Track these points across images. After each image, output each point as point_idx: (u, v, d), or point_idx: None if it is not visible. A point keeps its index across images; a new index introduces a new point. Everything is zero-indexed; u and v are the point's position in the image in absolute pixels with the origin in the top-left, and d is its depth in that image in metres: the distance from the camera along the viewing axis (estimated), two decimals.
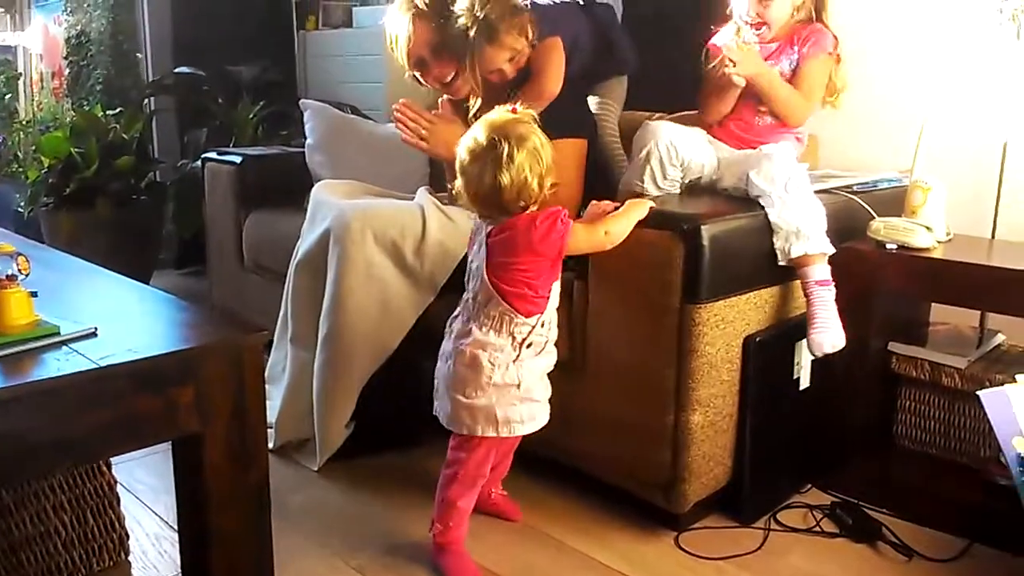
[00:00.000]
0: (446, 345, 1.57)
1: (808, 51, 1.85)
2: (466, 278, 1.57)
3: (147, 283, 1.91)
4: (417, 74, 2.11)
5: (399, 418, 1.99)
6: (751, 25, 1.86)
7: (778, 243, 1.67)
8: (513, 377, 1.50)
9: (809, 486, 1.86)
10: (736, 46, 1.77)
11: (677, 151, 1.80)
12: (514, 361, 1.50)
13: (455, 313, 1.58)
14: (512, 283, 1.47)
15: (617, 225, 1.55)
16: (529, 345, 1.51)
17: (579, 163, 2.03)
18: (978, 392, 1.55)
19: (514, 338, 1.50)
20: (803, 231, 1.66)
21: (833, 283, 1.69)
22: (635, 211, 1.57)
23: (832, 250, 1.70)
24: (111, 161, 3.23)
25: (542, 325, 1.52)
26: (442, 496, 1.56)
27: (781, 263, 1.68)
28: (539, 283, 1.48)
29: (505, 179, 1.43)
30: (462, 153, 1.48)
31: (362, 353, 1.92)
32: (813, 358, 1.76)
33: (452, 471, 1.55)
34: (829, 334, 1.67)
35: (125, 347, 1.17)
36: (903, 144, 2.05)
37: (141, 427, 1.15)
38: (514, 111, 1.49)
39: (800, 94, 1.85)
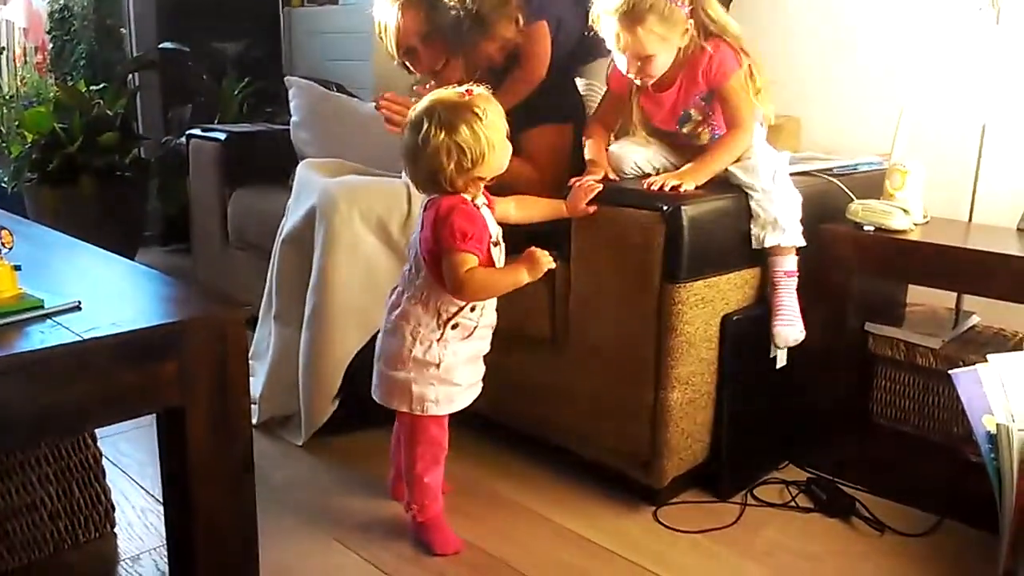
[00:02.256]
0: (384, 316, 1.59)
1: (716, 78, 1.70)
2: (408, 251, 1.58)
3: (132, 260, 1.91)
4: (407, 62, 2.12)
5: None
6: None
7: (755, 230, 1.70)
8: (434, 356, 1.50)
9: (786, 463, 1.90)
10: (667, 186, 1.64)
11: (641, 169, 1.82)
12: (438, 340, 1.50)
13: (395, 285, 1.59)
14: (438, 260, 1.47)
15: (491, 276, 1.47)
16: (455, 326, 1.50)
17: (558, 149, 2.03)
18: (950, 371, 1.58)
19: (439, 315, 1.49)
20: (780, 223, 1.68)
21: (798, 274, 1.72)
22: (519, 274, 1.47)
23: (803, 243, 1.73)
24: (95, 137, 3.21)
25: (472, 309, 1.51)
26: (410, 477, 1.57)
27: (755, 247, 1.71)
28: None
29: (423, 160, 1.44)
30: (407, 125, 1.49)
31: (348, 329, 1.93)
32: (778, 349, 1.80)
33: (412, 452, 1.56)
34: (794, 328, 1.72)
35: (109, 321, 1.18)
36: (884, 128, 2.07)
37: (124, 400, 1.16)
38: (469, 92, 1.46)
39: (733, 132, 1.72)
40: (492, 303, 1.55)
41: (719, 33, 1.71)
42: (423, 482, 1.56)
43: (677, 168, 1.76)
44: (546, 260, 1.48)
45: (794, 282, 1.72)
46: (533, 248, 1.49)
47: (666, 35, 1.65)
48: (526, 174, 1.92)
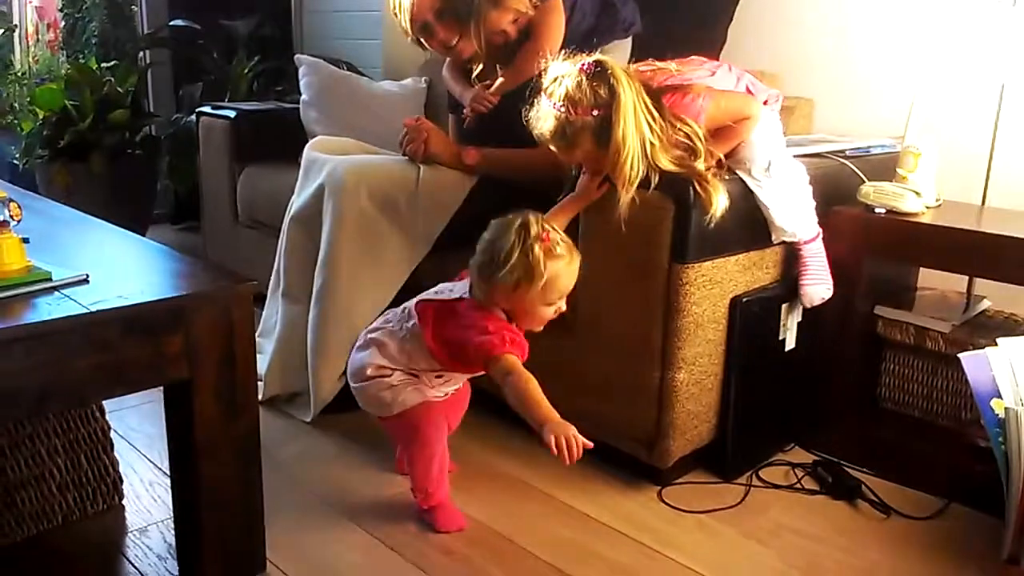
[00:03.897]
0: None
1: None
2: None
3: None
4: (421, 39, 2.11)
5: None
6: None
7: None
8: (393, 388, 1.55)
9: (792, 445, 1.90)
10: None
11: None
12: (395, 382, 1.55)
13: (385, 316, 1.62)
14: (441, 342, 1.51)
15: (528, 388, 1.41)
16: (416, 376, 1.56)
17: None
18: (959, 355, 1.57)
19: (407, 365, 1.55)
20: (777, 221, 1.67)
21: (819, 235, 1.74)
22: (544, 419, 1.36)
23: (812, 234, 1.73)
24: (106, 114, 3.21)
25: (438, 377, 1.57)
26: (412, 470, 1.58)
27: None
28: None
29: (500, 272, 1.43)
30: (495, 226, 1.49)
31: (356, 307, 1.93)
32: (802, 314, 1.80)
33: (410, 452, 1.58)
34: (821, 286, 1.73)
35: (116, 294, 1.19)
36: (899, 110, 2.05)
37: (130, 373, 1.17)
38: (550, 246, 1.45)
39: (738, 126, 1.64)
40: (461, 380, 1.61)
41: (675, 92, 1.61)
42: (427, 475, 1.56)
43: None
44: (569, 451, 1.32)
45: (816, 245, 1.74)
46: (574, 439, 1.33)
47: (608, 142, 1.53)
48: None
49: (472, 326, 1.45)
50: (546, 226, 1.46)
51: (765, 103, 1.74)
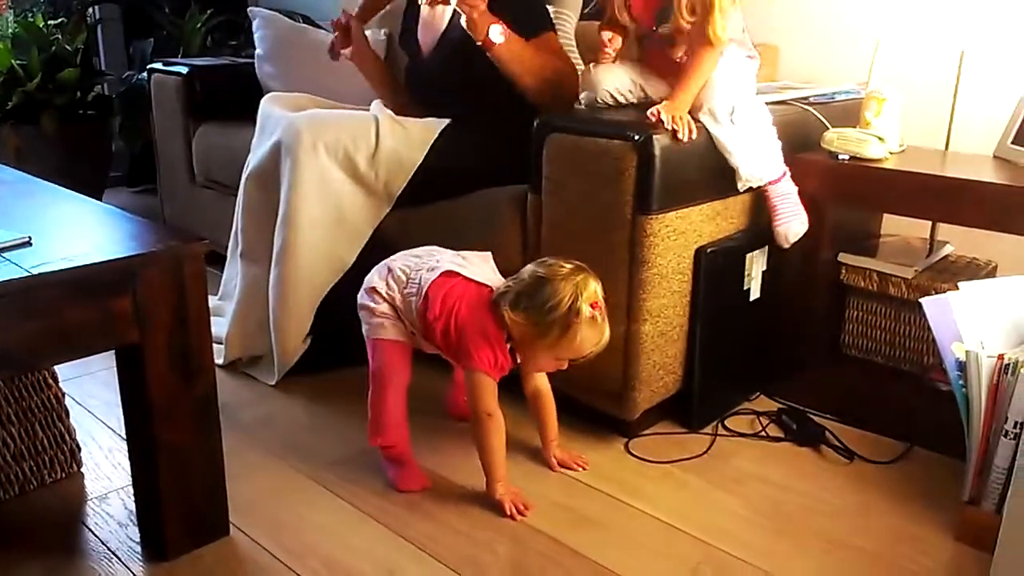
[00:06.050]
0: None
1: None
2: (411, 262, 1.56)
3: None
4: None
5: (357, 332, 1.98)
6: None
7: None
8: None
9: (757, 394, 1.91)
10: (668, 120, 1.57)
11: (624, 97, 1.76)
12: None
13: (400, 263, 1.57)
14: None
15: (493, 441, 1.50)
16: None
17: (564, 48, 2.05)
18: (920, 299, 1.58)
19: (397, 307, 1.55)
20: (748, 171, 1.66)
21: (787, 173, 1.72)
22: (496, 479, 1.50)
23: (784, 169, 1.71)
24: (55, 73, 3.11)
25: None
26: (369, 400, 1.57)
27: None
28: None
29: (538, 315, 1.40)
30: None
31: (318, 267, 1.90)
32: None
33: (371, 379, 1.57)
34: (794, 222, 1.72)
35: (60, 256, 1.15)
36: (863, 57, 2.03)
37: (77, 337, 1.14)
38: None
39: (700, 51, 1.61)
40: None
41: None
42: (377, 413, 1.55)
43: (647, 96, 1.74)
44: (516, 512, 1.48)
45: (783, 185, 1.71)
46: (514, 505, 1.49)
47: None
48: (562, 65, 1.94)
49: (482, 334, 1.45)
50: (599, 291, 1.43)
51: (751, 58, 1.72)
